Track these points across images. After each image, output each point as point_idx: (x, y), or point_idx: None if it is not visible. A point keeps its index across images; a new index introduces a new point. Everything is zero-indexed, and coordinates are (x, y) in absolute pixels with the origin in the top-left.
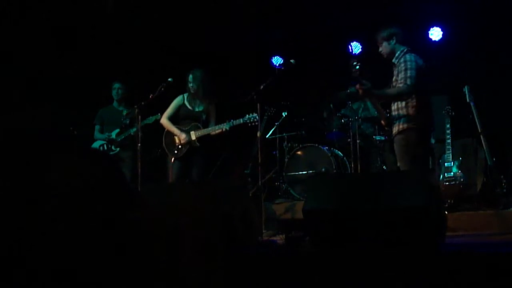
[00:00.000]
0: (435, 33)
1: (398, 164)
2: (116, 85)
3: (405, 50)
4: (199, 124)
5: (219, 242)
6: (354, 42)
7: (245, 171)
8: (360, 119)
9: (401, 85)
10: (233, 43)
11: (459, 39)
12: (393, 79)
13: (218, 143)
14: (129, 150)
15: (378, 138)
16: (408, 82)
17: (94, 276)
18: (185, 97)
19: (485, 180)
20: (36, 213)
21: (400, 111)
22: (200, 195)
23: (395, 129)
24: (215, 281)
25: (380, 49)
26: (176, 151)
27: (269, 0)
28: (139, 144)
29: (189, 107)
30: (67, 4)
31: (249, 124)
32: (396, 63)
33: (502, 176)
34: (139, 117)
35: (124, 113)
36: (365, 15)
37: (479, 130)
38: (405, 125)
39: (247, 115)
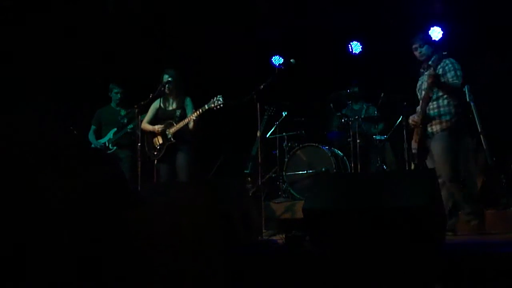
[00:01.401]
0: (435, 33)
1: (435, 163)
2: (114, 88)
3: (445, 54)
4: (172, 121)
5: (219, 242)
6: (354, 42)
7: (245, 171)
8: (360, 119)
9: (455, 81)
10: (233, 43)
11: (459, 39)
12: (420, 83)
13: (196, 138)
14: (128, 150)
15: (378, 138)
16: (460, 80)
17: (94, 276)
18: (161, 100)
19: (485, 180)
20: (35, 214)
21: (442, 109)
22: (200, 194)
23: (436, 127)
24: (215, 281)
25: (419, 50)
26: (155, 153)
27: (269, 0)
28: (139, 144)
29: (164, 107)
30: (67, 4)
31: (215, 108)
32: (431, 64)
33: (502, 176)
34: (139, 116)
35: (123, 113)
36: (365, 15)
37: (479, 130)
38: (448, 123)
39: (211, 99)
